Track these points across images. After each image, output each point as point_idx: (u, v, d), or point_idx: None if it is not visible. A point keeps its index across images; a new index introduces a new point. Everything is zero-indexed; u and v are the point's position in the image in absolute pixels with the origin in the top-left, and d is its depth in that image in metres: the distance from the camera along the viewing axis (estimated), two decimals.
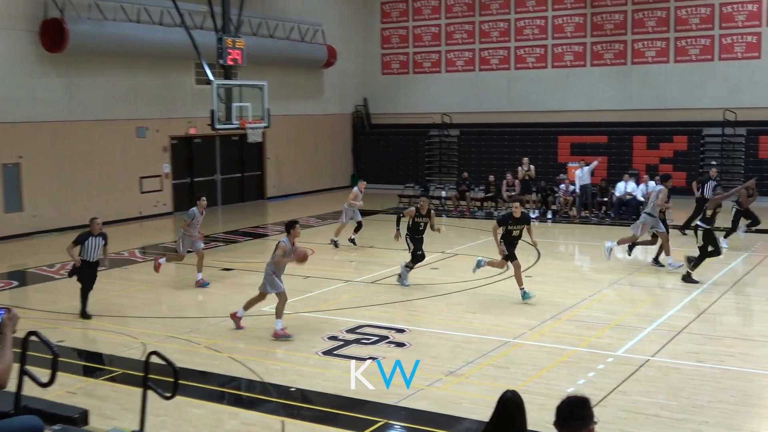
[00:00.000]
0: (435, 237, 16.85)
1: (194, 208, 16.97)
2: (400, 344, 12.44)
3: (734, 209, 20.49)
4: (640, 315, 14.08)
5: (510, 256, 15.08)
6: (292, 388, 10.61)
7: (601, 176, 28.29)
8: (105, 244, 14.62)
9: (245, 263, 19.28)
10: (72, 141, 24.67)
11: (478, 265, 15.58)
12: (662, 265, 17.96)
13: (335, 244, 20.97)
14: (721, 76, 29.93)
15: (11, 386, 5.93)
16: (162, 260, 17.14)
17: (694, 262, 16.34)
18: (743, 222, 20.45)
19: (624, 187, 25.74)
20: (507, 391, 5.22)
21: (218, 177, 30.30)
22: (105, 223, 15.42)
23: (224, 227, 24.65)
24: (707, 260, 16.47)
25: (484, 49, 34.20)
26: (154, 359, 6.84)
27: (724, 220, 18.43)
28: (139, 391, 7.06)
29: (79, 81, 24.88)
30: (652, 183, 25.35)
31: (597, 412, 4.83)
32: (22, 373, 6.58)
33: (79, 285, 14.47)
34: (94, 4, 24.34)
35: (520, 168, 27.46)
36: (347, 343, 12.54)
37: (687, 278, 16.14)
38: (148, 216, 26.84)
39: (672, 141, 30.43)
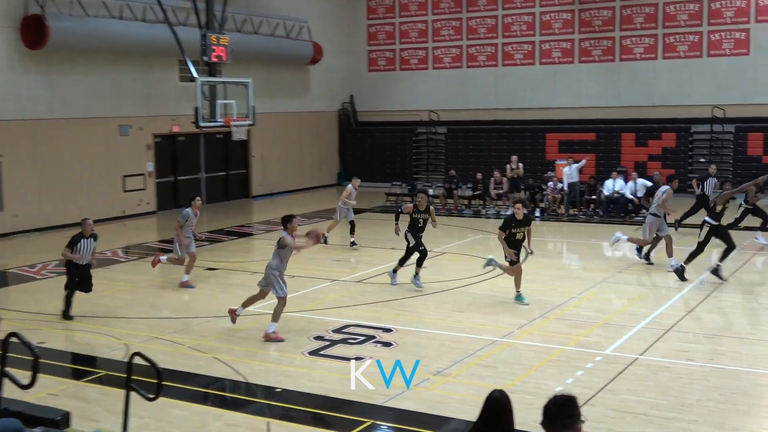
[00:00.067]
0: (424, 235, 16.57)
1: (188, 209, 16.59)
2: (387, 344, 12.35)
3: (742, 207, 20.27)
4: (629, 313, 14.03)
5: (513, 261, 14.79)
6: (277, 388, 10.51)
7: (590, 174, 28.19)
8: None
9: (230, 263, 19.07)
10: (54, 139, 24.33)
11: (489, 262, 15.22)
12: (652, 263, 17.89)
13: (325, 239, 20.57)
14: (709, 73, 29.85)
15: None
16: (163, 258, 16.80)
17: (688, 256, 16.32)
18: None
19: (612, 185, 25.58)
20: (494, 391, 5.18)
21: (203, 175, 29.97)
22: None
23: (209, 226, 24.37)
24: (699, 257, 16.39)
25: (472, 45, 34.02)
26: (138, 360, 6.76)
27: (727, 217, 18.29)
28: (122, 392, 6.98)
29: (60, 78, 24.55)
30: (641, 180, 25.31)
31: (585, 411, 4.77)
32: (3, 375, 6.55)
33: (66, 286, 14.24)
34: (75, 0, 23.97)
35: (508, 166, 27.30)
36: (333, 343, 12.43)
37: (715, 272, 15.99)
38: (132, 215, 26.51)
39: (660, 138, 30.35)
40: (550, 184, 26.67)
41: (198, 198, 16.93)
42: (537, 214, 25.88)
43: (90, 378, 11.30)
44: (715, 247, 16.83)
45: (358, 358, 11.60)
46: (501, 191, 26.95)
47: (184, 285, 16.50)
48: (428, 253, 16.06)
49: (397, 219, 16.56)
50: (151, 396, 6.71)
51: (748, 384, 10.60)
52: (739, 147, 29.33)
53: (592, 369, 11.02)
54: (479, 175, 27.89)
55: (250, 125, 24.67)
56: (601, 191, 25.89)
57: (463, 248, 20.01)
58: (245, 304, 13.25)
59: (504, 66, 33.44)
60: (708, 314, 14.08)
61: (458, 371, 11.02)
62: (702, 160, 29.64)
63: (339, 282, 16.85)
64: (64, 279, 14.42)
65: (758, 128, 29.04)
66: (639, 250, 18.24)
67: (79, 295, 14.35)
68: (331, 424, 9.44)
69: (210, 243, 21.89)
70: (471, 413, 5.32)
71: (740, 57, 29.42)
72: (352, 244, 20.59)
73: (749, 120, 29.15)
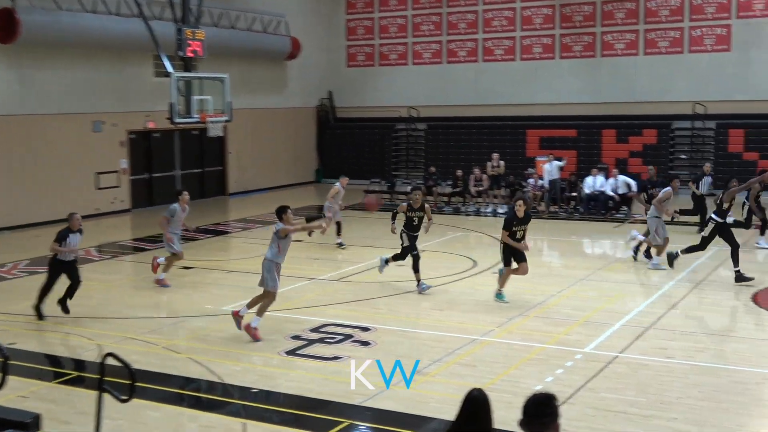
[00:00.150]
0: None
1: (175, 204, 16.33)
2: (365, 343, 12.23)
3: (746, 205, 20.01)
4: (609, 311, 13.94)
5: (506, 261, 14.43)
6: (253, 389, 10.35)
7: (570, 171, 28.04)
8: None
9: (206, 261, 18.75)
10: (25, 135, 23.85)
11: (501, 273, 14.74)
12: (636, 259, 17.84)
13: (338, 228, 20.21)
14: (690, 69, 29.80)
15: None
16: (161, 260, 16.41)
17: (688, 248, 16.28)
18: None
19: (593, 182, 25.37)
20: (473, 390, 5.13)
21: (178, 173, 29.51)
22: (60, 221, 14.90)
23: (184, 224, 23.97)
24: (693, 254, 16.44)
25: (452, 41, 33.79)
26: (111, 361, 6.66)
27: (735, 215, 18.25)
28: (94, 394, 6.84)
29: (32, 73, 24.07)
30: (621, 177, 25.16)
31: (565, 409, 4.74)
32: None
33: (41, 284, 13.90)
34: None
35: (489, 164, 27.08)
36: (311, 342, 12.27)
37: (739, 278, 15.65)
38: (105, 213, 26.05)
39: (641, 134, 30.25)
40: (531, 180, 26.48)
41: (185, 192, 16.65)
42: None
43: (61, 379, 11.11)
44: (715, 246, 16.70)
45: (335, 358, 11.49)
46: (481, 188, 26.72)
47: (160, 283, 16.18)
48: (420, 257, 15.57)
49: (393, 218, 15.98)
50: (124, 397, 6.60)
51: (728, 381, 10.53)
52: (720, 143, 29.27)
53: (572, 367, 10.98)
54: (459, 172, 27.64)
55: (226, 121, 24.32)
56: (581, 188, 25.68)
57: (442, 246, 19.79)
58: (250, 305, 12.84)
59: (484, 62, 33.24)
60: (688, 311, 14.03)
61: (437, 370, 10.93)
62: (683, 156, 29.58)
63: (317, 281, 16.59)
64: (35, 279, 14.11)
65: (739, 125, 29.02)
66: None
67: (50, 295, 13.92)
68: (308, 425, 9.31)
69: (185, 241, 21.45)
70: (450, 412, 5.24)
71: (721, 53, 29.37)
72: (340, 245, 20.17)
73: (730, 116, 29.10)
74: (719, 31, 29.34)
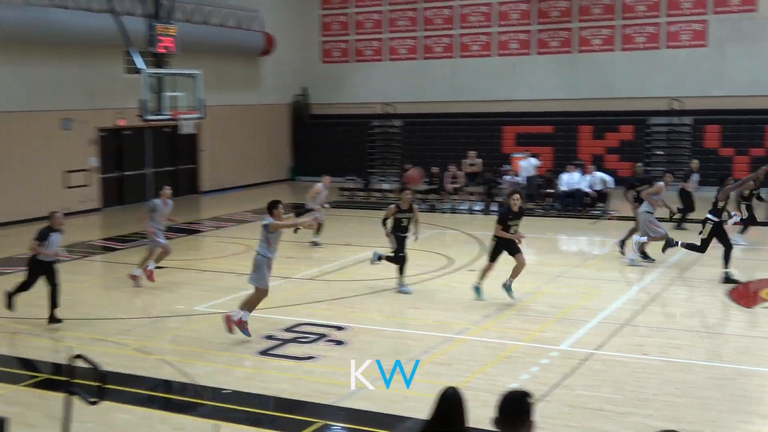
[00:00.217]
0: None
1: (157, 199, 16.35)
2: (340, 342, 12.13)
3: (743, 204, 19.87)
4: (585, 308, 13.90)
5: (494, 256, 14.20)
6: (225, 390, 10.22)
7: (547, 167, 27.93)
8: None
9: (178, 261, 18.33)
10: None
11: (506, 288, 14.32)
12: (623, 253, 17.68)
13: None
14: (667, 65, 29.75)
15: None
16: (151, 267, 16.03)
17: (688, 245, 16.16)
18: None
19: (569, 179, 25.20)
20: (447, 388, 5.08)
21: (149, 170, 29.05)
22: (28, 221, 14.51)
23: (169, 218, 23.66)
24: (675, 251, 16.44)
25: (428, 36, 33.55)
26: (80, 363, 6.51)
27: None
28: (63, 397, 6.67)
29: None
30: (598, 174, 25.04)
31: (541, 407, 4.67)
32: None
33: (13, 285, 13.55)
34: None
35: (464, 161, 26.88)
36: (284, 342, 12.13)
37: (727, 280, 15.40)
38: (75, 213, 25.53)
39: (618, 131, 30.18)
40: (507, 177, 26.29)
41: (167, 187, 16.74)
42: (494, 208, 25.47)
43: (29, 382, 10.94)
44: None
45: (309, 357, 11.40)
46: (457, 186, 26.50)
47: (134, 278, 15.93)
48: (406, 260, 15.27)
49: (384, 223, 15.43)
50: (93, 399, 6.51)
51: (703, 377, 10.51)
52: (697, 140, 29.24)
53: (548, 365, 10.95)
54: (435, 169, 27.40)
55: (199, 119, 24.00)
56: (557, 185, 25.52)
57: (418, 244, 19.42)
58: (249, 308, 12.49)
59: (461, 57, 33.04)
60: (664, 308, 14.04)
61: (411, 369, 10.76)
62: (659, 152, 29.51)
63: (291, 280, 16.32)
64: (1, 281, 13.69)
65: (716, 120, 29.04)
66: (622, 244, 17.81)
67: (19, 297, 13.57)
68: (281, 426, 9.21)
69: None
70: (425, 412, 5.13)
71: (698, 49, 29.39)
72: (315, 243, 19.85)
73: (707, 112, 29.11)
74: (696, 27, 29.32)
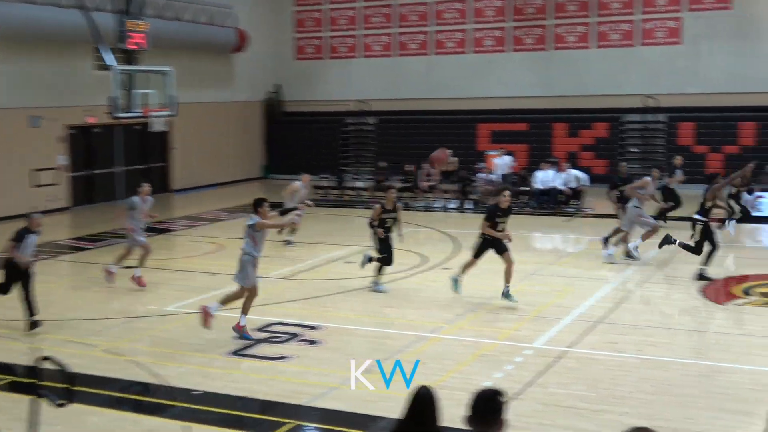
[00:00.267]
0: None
1: (135, 197, 16.16)
2: (313, 342, 12.07)
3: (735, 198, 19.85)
4: (559, 306, 13.90)
5: (478, 253, 14.04)
6: (197, 391, 10.13)
7: (522, 165, 27.85)
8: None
9: (150, 260, 17.92)
10: None
11: (506, 295, 14.04)
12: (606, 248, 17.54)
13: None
14: (642, 62, 29.78)
15: None
16: (138, 273, 15.72)
17: (685, 245, 16.03)
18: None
19: (543, 177, 25.11)
20: (420, 387, 5.07)
21: (119, 168, 28.64)
22: None
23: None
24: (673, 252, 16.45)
25: (403, 33, 33.37)
26: (48, 365, 6.53)
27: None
28: (29, 399, 6.69)
29: None
30: (573, 171, 24.98)
31: (515, 405, 4.75)
32: None
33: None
34: None
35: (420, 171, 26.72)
36: (257, 342, 12.06)
37: (701, 277, 15.31)
38: (43, 212, 24.96)
39: (592, 128, 30.16)
40: (481, 175, 26.15)
41: (145, 184, 16.56)
42: (468, 206, 25.38)
43: None
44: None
45: (281, 357, 11.35)
46: (432, 183, 26.34)
47: (109, 274, 15.78)
48: (392, 263, 15.11)
49: (371, 225, 15.12)
50: (61, 402, 6.48)
51: (678, 374, 10.54)
52: (671, 137, 29.29)
53: (522, 363, 10.96)
54: (410, 167, 27.18)
55: (170, 116, 23.67)
56: (532, 183, 25.44)
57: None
58: (244, 311, 12.36)
59: (436, 55, 32.89)
60: (638, 305, 14.08)
61: (386, 368, 10.67)
62: (634, 150, 29.50)
63: (264, 279, 15.93)
64: None
65: (690, 117, 29.07)
66: (606, 240, 17.63)
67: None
68: (253, 426, 9.26)
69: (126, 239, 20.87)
70: (398, 411, 5.15)
71: (673, 46, 29.44)
72: (287, 242, 19.59)
73: (681, 110, 29.13)
74: (671, 24, 29.37)
